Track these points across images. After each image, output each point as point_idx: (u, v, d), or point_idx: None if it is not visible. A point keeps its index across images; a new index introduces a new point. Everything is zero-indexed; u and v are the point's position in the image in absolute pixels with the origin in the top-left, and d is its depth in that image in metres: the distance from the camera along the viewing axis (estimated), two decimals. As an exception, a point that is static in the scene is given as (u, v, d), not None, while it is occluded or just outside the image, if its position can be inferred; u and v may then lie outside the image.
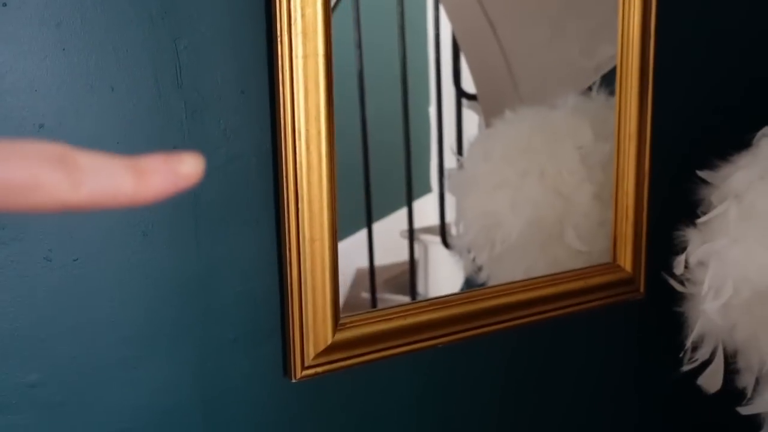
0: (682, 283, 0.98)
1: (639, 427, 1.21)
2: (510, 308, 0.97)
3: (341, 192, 0.82)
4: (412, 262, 1.14)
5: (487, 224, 1.11)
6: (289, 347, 0.81)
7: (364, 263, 1.07)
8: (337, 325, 0.83)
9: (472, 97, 1.15)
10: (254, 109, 0.79)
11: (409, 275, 1.14)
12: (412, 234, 1.15)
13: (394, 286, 1.15)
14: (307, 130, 0.78)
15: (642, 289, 1.08)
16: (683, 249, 0.97)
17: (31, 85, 0.68)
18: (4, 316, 0.69)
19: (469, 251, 1.13)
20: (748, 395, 0.93)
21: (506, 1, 1.13)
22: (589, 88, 1.14)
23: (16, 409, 0.71)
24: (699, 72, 1.17)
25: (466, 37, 1.12)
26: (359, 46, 0.99)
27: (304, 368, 0.82)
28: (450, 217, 1.13)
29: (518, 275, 1.06)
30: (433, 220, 1.13)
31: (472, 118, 1.13)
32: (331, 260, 0.81)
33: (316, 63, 0.78)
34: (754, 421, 0.94)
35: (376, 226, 1.08)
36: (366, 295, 1.08)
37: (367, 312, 0.88)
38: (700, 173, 1.00)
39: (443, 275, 1.15)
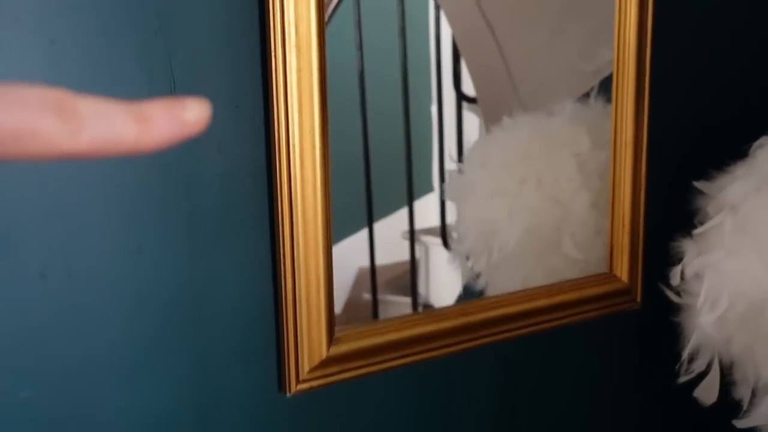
0: (678, 294, 0.98)
1: (636, 436, 1.21)
2: (506, 320, 0.97)
3: (342, 191, 0.82)
4: (413, 264, 1.14)
5: (485, 231, 1.11)
6: (284, 361, 0.81)
7: (366, 262, 1.07)
8: (331, 339, 0.83)
9: (472, 100, 1.15)
10: (248, 123, 0.79)
11: (410, 276, 1.14)
12: (413, 236, 1.15)
13: (396, 287, 1.15)
14: (301, 144, 0.78)
15: (639, 299, 1.08)
16: (679, 260, 0.97)
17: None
18: (-2, 333, 0.70)
19: (467, 257, 1.13)
20: (745, 408, 0.93)
21: (505, 3, 1.13)
22: (587, 95, 1.14)
23: (9, 425, 0.71)
24: (696, 79, 1.17)
25: (465, 40, 1.12)
26: (360, 47, 0.99)
27: (298, 382, 0.82)
28: (451, 218, 1.14)
29: (516, 283, 1.06)
30: (435, 220, 1.13)
31: (473, 121, 1.13)
32: (326, 275, 0.81)
33: (311, 77, 0.78)
34: (751, 433, 0.94)
35: (378, 225, 1.08)
36: (367, 296, 1.08)
37: (363, 325, 0.88)
38: (696, 184, 0.99)
39: (444, 277, 1.15)
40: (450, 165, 1.11)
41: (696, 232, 0.97)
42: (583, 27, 1.15)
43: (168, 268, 0.77)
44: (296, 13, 0.76)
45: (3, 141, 0.23)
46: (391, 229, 1.12)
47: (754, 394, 0.92)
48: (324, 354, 0.82)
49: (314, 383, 0.82)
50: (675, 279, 0.97)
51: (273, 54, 0.77)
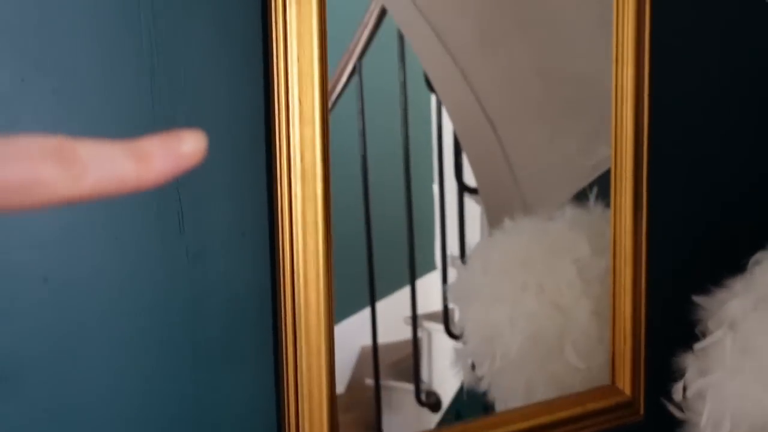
0: (681, 409, 0.98)
1: None
2: (508, 437, 0.96)
3: (345, 270, 0.83)
4: (416, 352, 1.14)
5: (487, 336, 1.11)
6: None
7: (368, 341, 1.07)
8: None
9: (473, 191, 1.17)
10: (254, 251, 0.81)
11: (413, 364, 1.14)
12: (415, 322, 1.15)
13: (398, 372, 1.15)
14: (305, 271, 0.80)
15: (641, 412, 1.08)
16: (681, 375, 0.97)
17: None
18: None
19: (470, 361, 1.13)
20: None
21: (506, 101, 1.16)
22: (587, 197, 1.16)
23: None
24: (693, 186, 1.19)
25: (466, 134, 1.15)
26: (363, 133, 1.01)
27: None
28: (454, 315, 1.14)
29: (519, 388, 1.06)
30: (437, 300, 1.14)
31: (474, 208, 1.15)
32: (330, 412, 0.81)
33: (315, 206, 0.80)
34: None
35: (381, 305, 1.08)
36: (370, 381, 1.08)
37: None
38: (696, 298, 1.01)
39: (448, 363, 1.15)
40: (452, 265, 1.13)
41: (697, 346, 0.97)
42: (582, 125, 1.17)
43: (172, 393, 0.77)
44: (301, 142, 0.79)
45: (7, 193, 0.24)
46: (394, 307, 1.13)
47: None
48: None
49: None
50: (677, 395, 0.97)
51: (278, 182, 0.79)
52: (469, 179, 1.15)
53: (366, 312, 1.06)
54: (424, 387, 1.14)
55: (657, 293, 1.10)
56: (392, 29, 1.06)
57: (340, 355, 0.84)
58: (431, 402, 1.15)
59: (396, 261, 1.13)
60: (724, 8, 1.18)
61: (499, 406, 1.07)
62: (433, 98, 1.12)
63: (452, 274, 1.13)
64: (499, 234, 1.13)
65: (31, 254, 0.70)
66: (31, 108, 0.70)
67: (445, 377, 1.15)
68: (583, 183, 1.17)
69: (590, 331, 1.11)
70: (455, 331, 1.13)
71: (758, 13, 1.21)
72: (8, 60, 0.68)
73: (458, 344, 1.13)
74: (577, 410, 1.01)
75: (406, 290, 1.12)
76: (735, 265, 1.03)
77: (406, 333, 1.14)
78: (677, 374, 0.98)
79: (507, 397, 1.08)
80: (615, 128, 1.08)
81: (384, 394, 1.09)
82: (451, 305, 1.14)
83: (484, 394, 1.09)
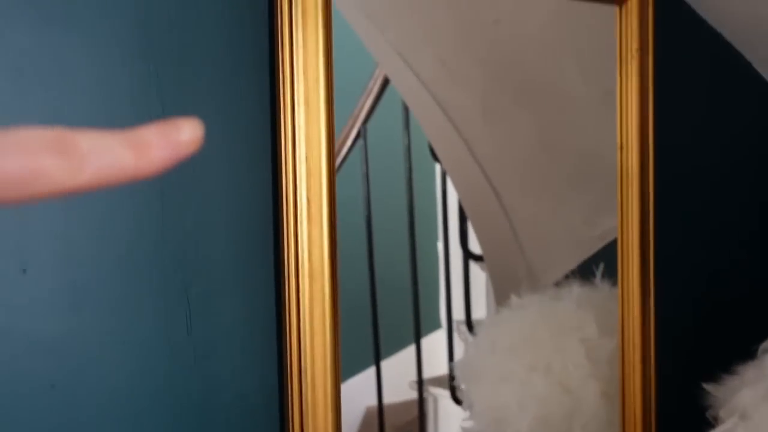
0: (694, 500, 0.97)
1: None
2: None
3: (349, 328, 0.83)
4: (422, 419, 1.13)
5: (495, 418, 1.10)
6: None
7: (373, 401, 1.06)
8: None
9: (478, 258, 1.17)
10: (262, 349, 0.81)
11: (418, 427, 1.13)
12: (421, 386, 1.14)
13: None
14: (312, 372, 0.79)
15: (655, 501, 1.07)
16: (693, 466, 0.96)
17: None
18: None
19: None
20: None
21: (510, 172, 1.17)
22: (593, 272, 1.15)
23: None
24: (700, 270, 1.19)
25: (471, 203, 1.16)
26: (367, 199, 1.02)
27: None
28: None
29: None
30: (443, 363, 1.14)
31: (480, 275, 1.16)
32: None
33: (323, 306, 0.80)
34: None
35: (386, 363, 1.07)
36: None
37: None
38: (707, 386, 1.00)
39: (454, 429, 1.13)
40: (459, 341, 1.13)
41: (709, 436, 0.97)
42: (586, 197, 1.18)
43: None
44: (309, 241, 0.79)
45: (8, 185, 0.24)
46: (399, 366, 1.12)
47: None
48: None
49: None
50: (690, 487, 0.95)
51: (287, 282, 0.79)
52: (474, 246, 1.16)
53: (371, 371, 1.06)
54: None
55: (666, 378, 1.09)
56: (397, 96, 1.08)
57: (345, 415, 0.84)
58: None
59: (401, 319, 1.13)
60: (729, 89, 1.20)
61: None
62: (438, 165, 1.13)
63: (458, 345, 1.12)
64: (506, 311, 1.13)
65: (37, 361, 0.70)
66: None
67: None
68: (590, 252, 1.18)
69: (600, 414, 1.10)
70: (462, 397, 1.12)
71: (761, 94, 1.22)
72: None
73: (466, 423, 1.12)
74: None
75: (411, 349, 1.12)
76: (744, 350, 1.02)
77: (412, 394, 1.13)
78: (689, 464, 0.97)
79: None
80: (621, 210, 1.08)
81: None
82: (458, 384, 1.14)
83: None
